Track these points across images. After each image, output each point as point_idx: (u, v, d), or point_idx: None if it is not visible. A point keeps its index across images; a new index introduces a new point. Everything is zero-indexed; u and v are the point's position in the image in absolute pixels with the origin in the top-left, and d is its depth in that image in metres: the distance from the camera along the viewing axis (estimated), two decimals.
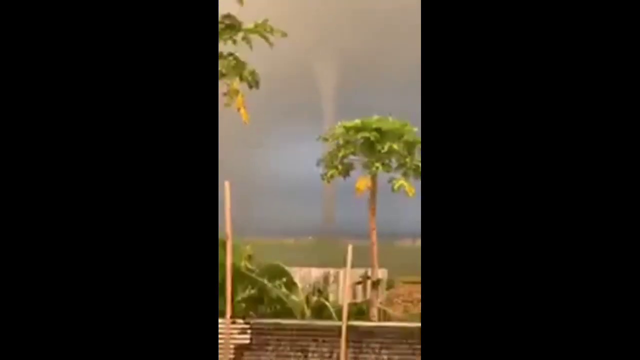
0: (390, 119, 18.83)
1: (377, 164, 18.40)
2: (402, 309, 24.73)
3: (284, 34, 12.54)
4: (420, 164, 18.35)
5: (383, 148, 18.28)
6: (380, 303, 21.72)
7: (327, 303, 19.99)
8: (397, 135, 18.56)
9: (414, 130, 18.65)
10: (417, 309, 24.58)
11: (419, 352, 15.77)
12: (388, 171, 18.62)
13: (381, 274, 22.36)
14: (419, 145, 18.70)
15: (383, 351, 15.60)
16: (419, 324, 17.25)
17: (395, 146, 18.25)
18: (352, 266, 17.04)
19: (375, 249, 19.05)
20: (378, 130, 18.51)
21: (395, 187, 18.20)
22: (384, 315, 20.47)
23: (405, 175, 18.46)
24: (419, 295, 27.41)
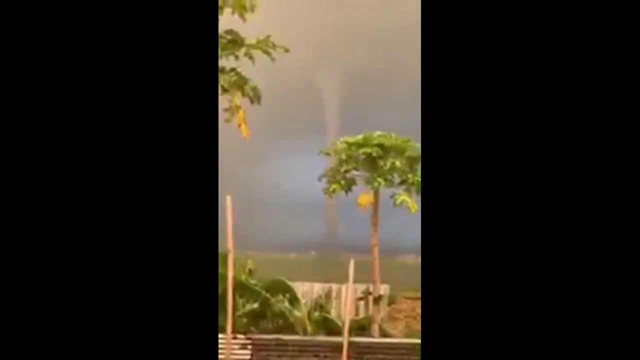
0: (393, 135, 18.87)
1: (380, 180, 18.42)
2: (404, 324, 24.65)
3: (287, 50, 12.57)
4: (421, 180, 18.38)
5: (385, 164, 18.32)
6: (382, 319, 21.67)
7: (332, 318, 19.98)
8: (400, 151, 18.60)
9: (417, 147, 18.69)
10: (419, 325, 24.50)
11: None
12: (390, 187, 18.64)
13: (383, 289, 22.31)
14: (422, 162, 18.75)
15: None
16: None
17: (397, 162, 18.29)
18: (355, 282, 17.03)
19: (376, 264, 19.05)
20: (380, 146, 18.55)
21: (397, 202, 18.22)
22: (386, 332, 20.41)
23: (407, 191, 18.47)
24: (420, 311, 27.33)
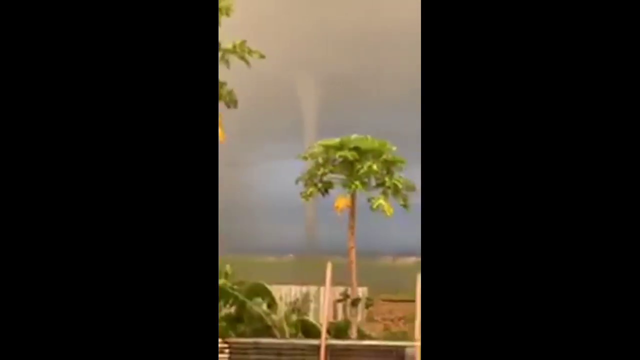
0: (370, 138, 18.93)
1: (356, 183, 18.47)
2: (382, 327, 24.72)
3: (262, 56, 12.64)
4: (398, 184, 18.48)
5: (362, 167, 18.37)
6: (360, 321, 21.72)
7: (310, 320, 20.03)
8: (376, 155, 18.66)
9: (393, 150, 18.77)
10: (396, 327, 24.58)
11: None
12: (367, 190, 18.71)
13: (361, 292, 22.36)
14: (398, 165, 18.84)
15: None
16: (398, 343, 17.31)
17: (374, 165, 18.34)
18: (333, 284, 17.09)
19: (353, 267, 19.11)
20: (357, 149, 18.61)
21: (374, 206, 18.29)
22: (364, 334, 20.48)
23: (384, 194, 18.55)
24: (398, 314, 27.36)
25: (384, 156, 18.65)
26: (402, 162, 18.76)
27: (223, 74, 13.00)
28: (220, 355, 14.66)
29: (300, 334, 18.34)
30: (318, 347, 15.15)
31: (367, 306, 22.42)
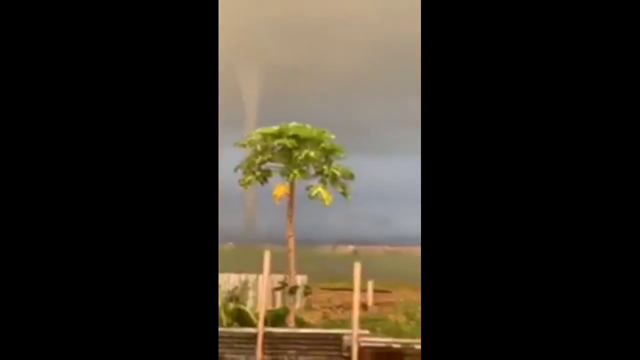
0: (308, 126, 18.92)
1: (295, 172, 18.46)
2: (321, 315, 24.84)
3: None
4: (337, 172, 18.52)
5: (300, 155, 18.36)
6: (299, 309, 21.79)
7: (246, 309, 19.97)
8: (315, 143, 18.66)
9: (332, 138, 18.80)
10: (335, 315, 24.73)
11: (335, 358, 15.88)
12: (305, 178, 18.71)
13: (300, 280, 22.43)
14: (337, 153, 18.87)
15: (300, 357, 15.66)
16: (336, 330, 17.38)
17: (312, 153, 18.34)
18: (273, 272, 17.04)
19: (292, 255, 19.11)
20: (295, 137, 18.57)
21: (312, 194, 18.30)
22: (302, 322, 20.54)
23: (322, 182, 18.57)
24: (337, 302, 27.55)
25: (323, 144, 18.65)
26: (340, 150, 18.81)
27: None
28: None
29: (235, 323, 18.29)
30: (255, 335, 15.12)
31: (305, 294, 22.50)
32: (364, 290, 23.94)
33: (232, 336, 15.92)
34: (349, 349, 15.53)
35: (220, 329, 17.53)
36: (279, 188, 18.64)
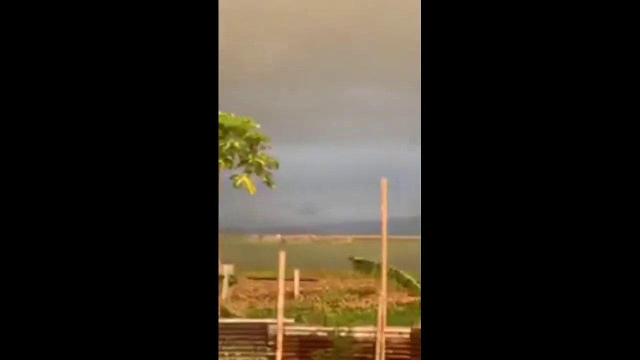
0: (232, 115, 18.83)
1: (219, 161, 18.36)
2: (248, 304, 24.85)
3: None
4: (261, 161, 18.51)
5: (225, 145, 18.27)
6: (225, 299, 21.73)
7: None
8: (239, 132, 18.59)
9: (257, 127, 18.76)
10: (262, 305, 24.76)
11: (260, 348, 15.91)
12: (230, 167, 18.64)
13: (226, 269, 22.38)
14: (262, 143, 18.84)
15: (224, 347, 15.64)
16: (261, 320, 17.41)
17: (236, 143, 18.28)
18: None
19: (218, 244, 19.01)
20: (220, 126, 18.46)
21: (237, 183, 18.25)
22: (228, 312, 20.50)
23: (247, 172, 18.54)
24: (264, 291, 27.60)
25: (247, 134, 18.61)
26: (265, 139, 18.79)
27: None
28: None
29: None
30: None
31: (230, 284, 22.47)
32: (290, 279, 24.05)
33: None
34: (275, 338, 15.58)
35: None
36: None
